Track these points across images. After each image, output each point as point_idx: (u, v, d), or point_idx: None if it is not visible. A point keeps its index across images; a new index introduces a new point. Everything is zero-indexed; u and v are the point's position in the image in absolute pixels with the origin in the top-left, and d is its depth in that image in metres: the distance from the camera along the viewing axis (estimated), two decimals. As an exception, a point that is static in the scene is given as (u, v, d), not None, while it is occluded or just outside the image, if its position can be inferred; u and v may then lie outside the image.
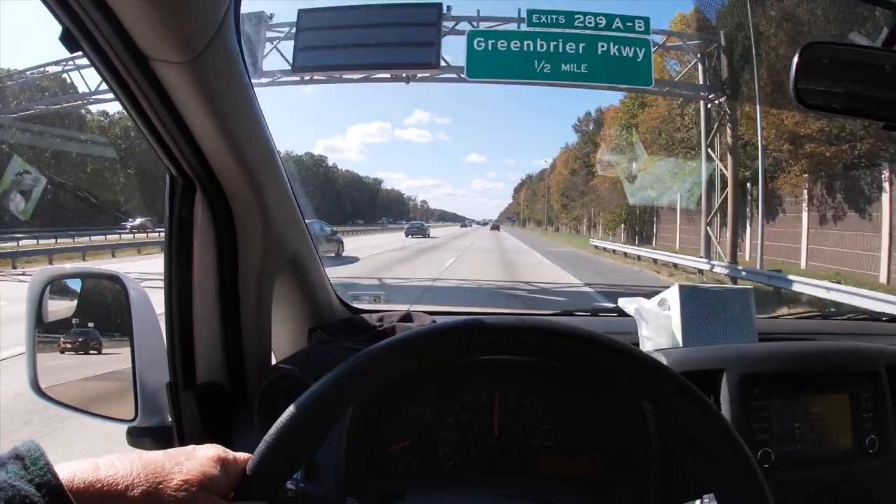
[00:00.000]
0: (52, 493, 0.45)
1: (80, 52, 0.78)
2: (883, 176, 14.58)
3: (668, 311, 1.31)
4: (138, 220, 31.64)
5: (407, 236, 37.77)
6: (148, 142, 0.92)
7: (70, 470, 0.49)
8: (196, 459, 0.56)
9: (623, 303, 1.40)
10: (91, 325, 1.21)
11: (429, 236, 39.94)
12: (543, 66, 14.17)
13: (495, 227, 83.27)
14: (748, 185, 19.15)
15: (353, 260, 17.85)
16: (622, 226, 32.71)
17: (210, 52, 0.81)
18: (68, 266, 1.18)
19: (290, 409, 0.59)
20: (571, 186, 45.31)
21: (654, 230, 29.31)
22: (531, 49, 14.21)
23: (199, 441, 0.62)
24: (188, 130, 0.91)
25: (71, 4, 0.71)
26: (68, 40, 0.75)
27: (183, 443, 1.02)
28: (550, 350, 0.65)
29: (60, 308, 1.19)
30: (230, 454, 0.59)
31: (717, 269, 14.99)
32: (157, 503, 0.50)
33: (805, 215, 17.48)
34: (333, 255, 17.36)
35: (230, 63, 0.89)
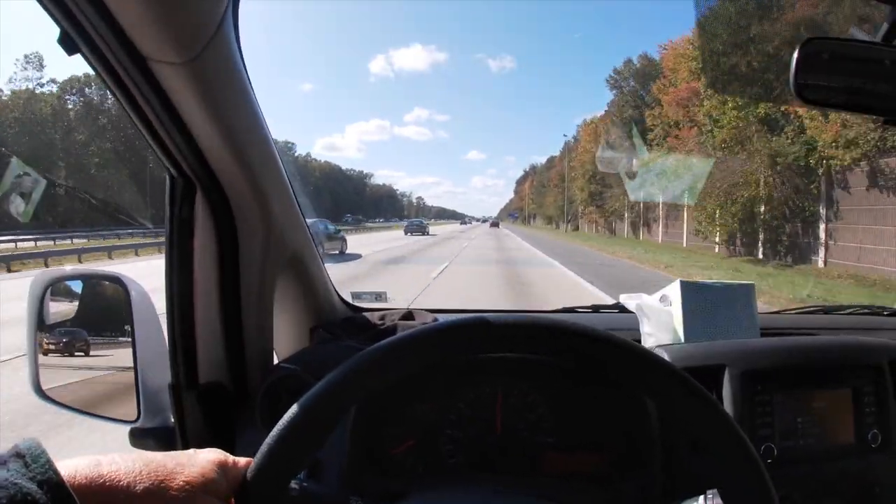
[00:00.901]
0: (54, 490, 0.46)
1: (78, 54, 0.78)
2: None
3: (670, 306, 1.31)
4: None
5: (406, 234, 37.86)
6: (148, 143, 0.92)
7: (72, 467, 0.49)
8: (197, 462, 0.56)
9: (624, 299, 1.40)
10: (93, 326, 1.21)
11: (428, 233, 39.98)
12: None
13: (494, 224, 75.03)
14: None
15: (357, 257, 18.22)
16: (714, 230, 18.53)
17: (209, 52, 0.81)
18: (69, 268, 1.19)
19: (291, 411, 0.59)
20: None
21: (819, 235, 15.14)
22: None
23: (202, 441, 0.62)
24: (188, 131, 0.91)
25: (69, 6, 0.71)
26: (66, 43, 0.75)
27: (185, 443, 1.02)
28: (555, 347, 0.65)
29: (62, 310, 1.19)
30: (230, 459, 0.60)
31: None
32: (158, 501, 0.51)
33: None
34: (337, 252, 17.83)
35: (230, 63, 0.89)
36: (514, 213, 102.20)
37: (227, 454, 0.60)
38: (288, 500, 0.62)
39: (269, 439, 0.58)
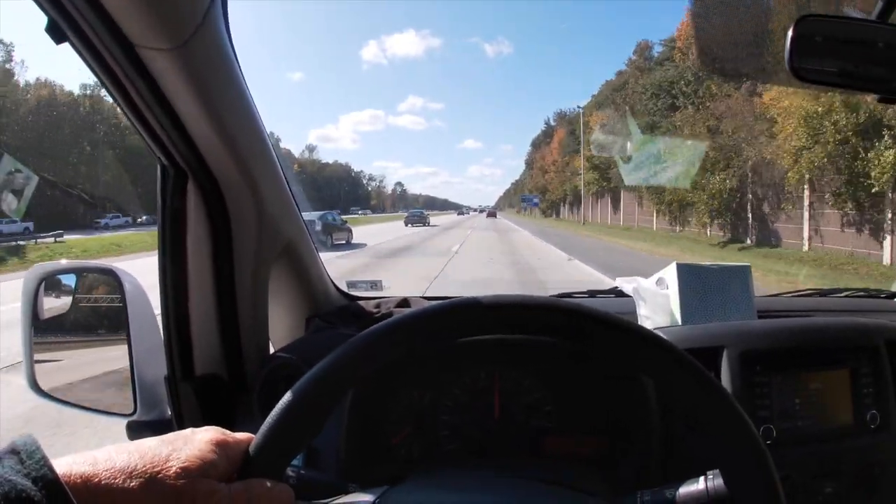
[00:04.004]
0: (49, 487, 0.45)
1: (66, 43, 0.77)
2: None
3: (667, 289, 1.31)
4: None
5: (406, 225, 37.42)
6: (138, 132, 0.92)
7: (67, 464, 0.49)
8: (194, 444, 0.56)
9: (621, 282, 1.40)
10: (87, 320, 1.21)
11: (429, 224, 39.50)
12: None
13: (492, 214, 58.55)
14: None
15: (363, 245, 18.48)
16: None
17: (198, 39, 0.80)
18: (63, 262, 1.18)
19: (291, 391, 0.59)
20: None
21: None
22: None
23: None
24: (178, 119, 0.90)
25: None
26: (54, 31, 0.75)
27: None
28: (549, 328, 0.64)
29: (56, 304, 1.19)
30: (230, 436, 0.59)
31: None
32: (156, 492, 0.50)
33: None
34: (344, 242, 17.88)
35: (219, 49, 0.88)
36: (532, 196, 54.23)
37: (226, 431, 0.60)
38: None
39: (270, 417, 0.59)
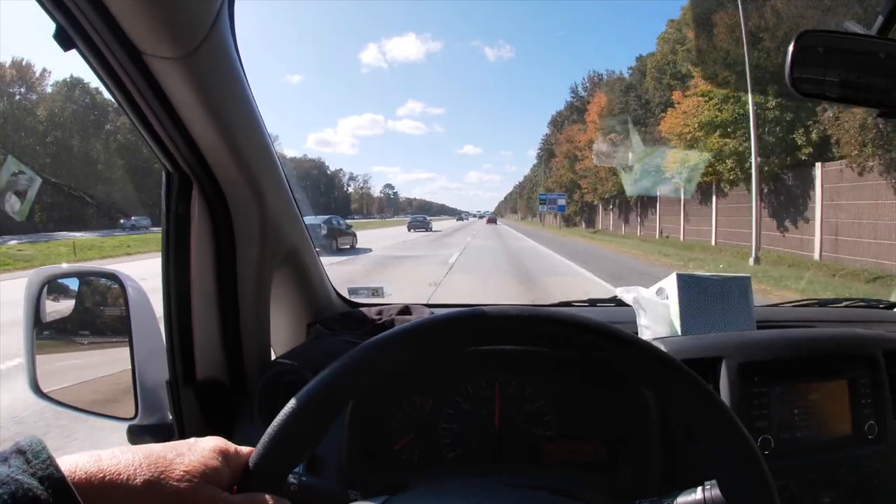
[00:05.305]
0: (55, 486, 0.46)
1: (73, 50, 0.77)
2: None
3: (667, 299, 1.31)
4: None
5: (409, 230, 36.63)
6: (144, 138, 0.93)
7: (72, 462, 0.49)
8: (198, 451, 0.56)
9: (621, 292, 1.40)
10: (90, 323, 1.21)
11: (431, 230, 38.68)
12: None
13: (492, 221, 54.79)
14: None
15: (368, 251, 18.61)
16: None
17: (205, 47, 0.81)
18: (65, 265, 1.18)
19: (292, 402, 0.60)
20: None
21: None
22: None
23: (200, 437, 0.62)
24: (184, 126, 0.91)
25: (65, 1, 0.70)
26: (62, 38, 0.75)
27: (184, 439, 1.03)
28: (550, 339, 0.65)
29: (58, 308, 1.19)
30: (232, 447, 0.60)
31: None
32: (159, 493, 0.51)
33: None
34: (349, 247, 18.40)
35: (225, 58, 0.89)
36: (556, 195, 36.04)
37: (229, 442, 0.60)
38: (287, 493, 0.62)
39: (270, 429, 0.59)
